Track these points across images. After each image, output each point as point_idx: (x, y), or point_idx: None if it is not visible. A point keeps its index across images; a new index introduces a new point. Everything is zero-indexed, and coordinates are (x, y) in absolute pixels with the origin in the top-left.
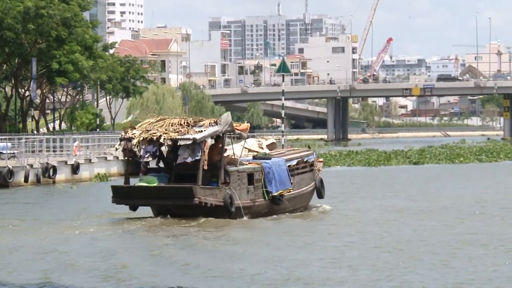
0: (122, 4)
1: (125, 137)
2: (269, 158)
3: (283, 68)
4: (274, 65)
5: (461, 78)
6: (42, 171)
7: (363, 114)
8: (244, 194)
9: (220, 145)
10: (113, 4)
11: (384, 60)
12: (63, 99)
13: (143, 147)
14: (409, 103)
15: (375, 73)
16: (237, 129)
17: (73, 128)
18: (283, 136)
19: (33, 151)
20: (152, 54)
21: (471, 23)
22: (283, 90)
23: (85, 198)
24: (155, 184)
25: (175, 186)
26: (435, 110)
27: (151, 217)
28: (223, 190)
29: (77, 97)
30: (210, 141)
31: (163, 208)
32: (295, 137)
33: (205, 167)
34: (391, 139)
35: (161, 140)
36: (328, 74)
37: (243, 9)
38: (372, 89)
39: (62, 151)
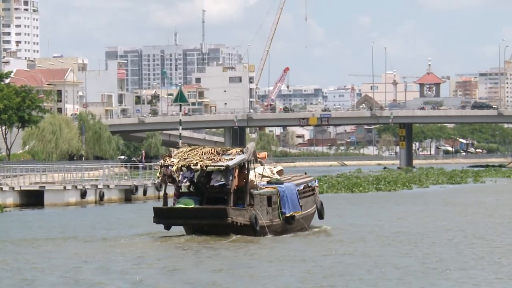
0: (18, 34)
1: (165, 164)
2: (282, 183)
3: (180, 98)
4: (171, 94)
5: (495, 106)
6: None
7: (260, 143)
8: (265, 215)
9: (245, 171)
10: (8, 33)
11: (281, 89)
12: None
13: (181, 173)
14: (306, 132)
15: (272, 103)
16: (258, 157)
17: None
18: None
19: None
20: (48, 84)
21: (367, 53)
22: (180, 120)
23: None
24: (192, 206)
25: (211, 207)
26: (332, 140)
27: (183, 234)
28: (249, 211)
29: None
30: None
31: (198, 226)
32: None
33: (235, 191)
34: (288, 168)
35: (198, 167)
36: (226, 103)
37: (140, 38)
38: (269, 119)
39: None
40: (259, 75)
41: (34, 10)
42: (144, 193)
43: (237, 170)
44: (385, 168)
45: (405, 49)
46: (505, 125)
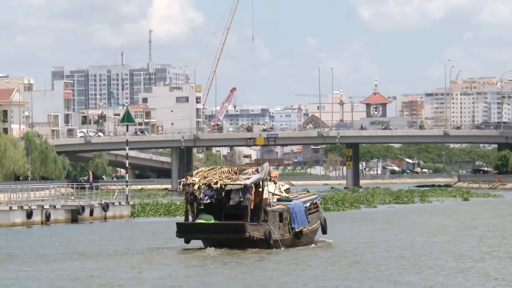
0: None
1: (187, 183)
2: (291, 201)
3: (127, 118)
4: (118, 114)
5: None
6: None
7: (207, 163)
8: (277, 230)
9: (260, 189)
10: None
11: (228, 109)
12: None
13: (203, 191)
14: (253, 152)
15: (219, 123)
16: (272, 176)
17: None
18: (127, 186)
19: None
20: None
21: (314, 73)
22: (127, 140)
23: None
24: (212, 221)
25: (230, 222)
26: (279, 160)
27: (201, 248)
28: (264, 226)
29: None
30: None
31: (217, 240)
32: (139, 187)
33: (252, 207)
34: None
35: (218, 185)
36: (172, 123)
37: (86, 58)
38: (216, 139)
39: None
40: (206, 95)
41: None
42: (91, 213)
43: (253, 188)
44: (332, 188)
45: (351, 69)
46: (451, 145)
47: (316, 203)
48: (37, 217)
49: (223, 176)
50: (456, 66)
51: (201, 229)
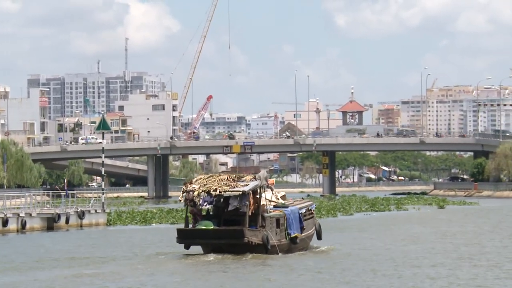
0: None
1: (187, 190)
2: (287, 207)
3: (103, 126)
4: (94, 122)
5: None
6: None
7: (184, 171)
8: (274, 235)
9: (258, 196)
10: None
11: (204, 117)
12: None
13: (202, 197)
14: (230, 160)
15: (195, 131)
16: (269, 183)
17: None
18: (103, 194)
19: None
20: None
21: (290, 80)
22: (103, 147)
23: None
24: (211, 227)
25: (229, 228)
26: (255, 168)
27: (201, 253)
28: (261, 231)
29: None
30: None
31: (217, 246)
32: (115, 194)
33: (250, 214)
34: None
35: (217, 192)
36: (149, 131)
37: (62, 66)
38: (192, 147)
39: None
40: (182, 103)
41: None
42: (67, 221)
43: (251, 195)
44: (308, 195)
45: (328, 77)
46: (427, 153)
47: (311, 209)
48: (12, 225)
49: (222, 183)
50: (432, 74)
51: (201, 235)
